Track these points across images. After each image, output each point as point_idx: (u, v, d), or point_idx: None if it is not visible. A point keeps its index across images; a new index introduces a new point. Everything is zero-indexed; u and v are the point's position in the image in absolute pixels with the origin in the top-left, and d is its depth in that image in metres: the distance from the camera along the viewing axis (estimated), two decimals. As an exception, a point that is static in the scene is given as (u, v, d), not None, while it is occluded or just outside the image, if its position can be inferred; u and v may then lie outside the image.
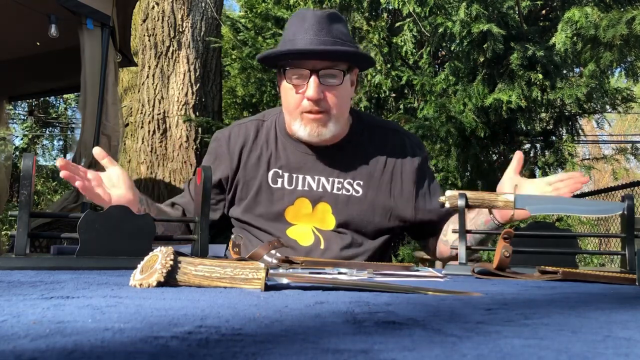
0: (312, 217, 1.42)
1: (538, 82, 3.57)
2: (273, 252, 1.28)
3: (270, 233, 1.41)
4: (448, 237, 1.46)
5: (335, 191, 1.43)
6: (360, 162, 1.45)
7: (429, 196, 1.48)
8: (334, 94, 1.35)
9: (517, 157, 1.39)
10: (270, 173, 1.44)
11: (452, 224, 1.45)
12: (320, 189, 1.42)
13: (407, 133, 1.56)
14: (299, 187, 1.43)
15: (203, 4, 4.32)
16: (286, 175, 1.43)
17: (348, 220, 1.42)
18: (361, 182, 1.44)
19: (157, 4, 4.30)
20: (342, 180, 1.43)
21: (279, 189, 1.43)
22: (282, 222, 1.42)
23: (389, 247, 1.53)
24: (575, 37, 3.39)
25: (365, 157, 1.46)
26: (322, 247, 1.40)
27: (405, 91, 4.18)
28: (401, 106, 4.07)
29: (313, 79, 1.31)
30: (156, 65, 4.27)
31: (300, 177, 1.43)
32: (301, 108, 1.35)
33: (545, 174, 3.94)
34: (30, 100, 13.18)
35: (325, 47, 1.31)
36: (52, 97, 14.10)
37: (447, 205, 1.25)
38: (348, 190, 1.43)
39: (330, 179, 1.43)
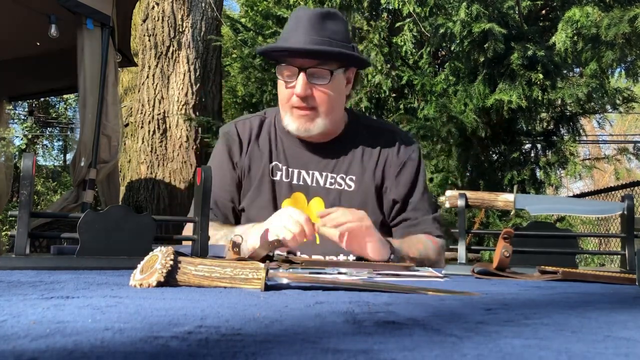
0: (307, 211, 1.46)
1: (538, 82, 3.57)
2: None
3: None
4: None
5: (327, 186, 1.47)
6: (353, 158, 1.49)
7: (404, 190, 1.49)
8: (322, 92, 1.40)
9: None
10: (272, 165, 1.49)
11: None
12: (314, 184, 1.47)
13: (402, 133, 1.59)
14: (294, 181, 1.47)
15: (203, 4, 4.32)
16: (284, 168, 1.48)
17: None
18: (354, 177, 1.48)
19: (157, 4, 4.30)
20: (335, 175, 1.48)
21: (278, 182, 1.48)
22: None
23: None
24: (575, 37, 3.39)
25: (359, 154, 1.50)
26: (317, 242, 1.41)
27: (406, 91, 4.17)
28: (401, 106, 4.06)
29: (301, 77, 1.37)
30: (156, 66, 4.27)
31: (296, 171, 1.48)
32: (291, 103, 1.41)
33: (546, 174, 3.93)
34: (30, 100, 13.17)
35: (309, 47, 1.35)
36: (52, 97, 14.09)
37: (447, 205, 1.25)
38: (340, 185, 1.47)
39: (324, 174, 1.48)
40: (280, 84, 1.44)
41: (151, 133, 4.22)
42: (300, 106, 1.40)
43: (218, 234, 1.37)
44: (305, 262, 1.01)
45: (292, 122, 1.43)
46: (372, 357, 0.32)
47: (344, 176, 1.47)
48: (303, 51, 1.36)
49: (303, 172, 1.48)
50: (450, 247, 1.42)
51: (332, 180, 1.47)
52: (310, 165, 1.48)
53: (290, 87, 1.39)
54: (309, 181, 1.47)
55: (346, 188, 1.46)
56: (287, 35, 1.40)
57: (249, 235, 1.29)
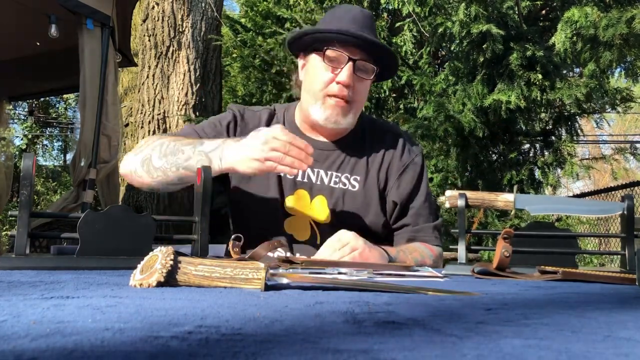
0: (309, 209, 1.45)
1: (537, 82, 3.57)
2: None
3: (269, 223, 1.43)
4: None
5: (332, 184, 1.46)
6: (359, 158, 1.48)
7: (405, 192, 1.48)
8: (362, 86, 1.41)
9: None
10: None
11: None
12: (319, 182, 1.46)
13: (405, 135, 1.57)
14: (299, 178, 1.46)
15: (203, 4, 4.32)
16: None
17: (342, 214, 1.44)
18: (358, 178, 1.47)
19: (157, 4, 4.29)
20: (339, 174, 1.47)
21: (283, 177, 1.46)
22: (281, 211, 1.44)
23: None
24: (574, 37, 3.39)
25: (364, 155, 1.49)
26: (318, 242, 1.41)
27: (405, 91, 4.18)
28: (401, 106, 4.07)
29: (349, 65, 1.36)
30: (156, 66, 4.27)
31: None
32: (327, 90, 1.38)
33: (544, 173, 3.94)
34: (30, 100, 13.17)
35: (375, 39, 1.36)
36: (52, 97, 14.09)
37: (447, 205, 1.25)
38: (345, 185, 1.46)
39: (329, 173, 1.47)
40: (319, 68, 1.39)
41: (151, 133, 4.21)
42: (340, 95, 1.37)
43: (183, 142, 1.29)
44: (305, 262, 1.01)
45: (322, 111, 1.40)
46: (372, 357, 0.33)
47: (349, 176, 1.46)
48: (369, 40, 1.34)
49: (308, 170, 1.46)
50: (450, 247, 1.42)
51: (337, 180, 1.46)
52: (316, 164, 1.46)
53: (333, 74, 1.37)
54: (313, 179, 1.46)
55: (350, 188, 1.45)
56: (339, 22, 1.38)
57: (224, 151, 1.25)
